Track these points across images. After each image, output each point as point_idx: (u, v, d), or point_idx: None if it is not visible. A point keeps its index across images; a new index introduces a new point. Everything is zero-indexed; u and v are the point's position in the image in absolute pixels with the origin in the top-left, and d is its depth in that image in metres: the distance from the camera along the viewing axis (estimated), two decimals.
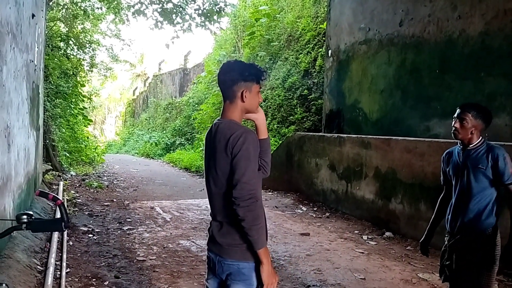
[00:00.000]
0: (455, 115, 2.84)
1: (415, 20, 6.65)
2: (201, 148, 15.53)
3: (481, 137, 2.83)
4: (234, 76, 2.08)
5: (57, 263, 4.39)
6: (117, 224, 6.33)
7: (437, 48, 6.24)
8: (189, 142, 18.64)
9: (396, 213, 6.05)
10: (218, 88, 2.20)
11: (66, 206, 6.50)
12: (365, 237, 6.00)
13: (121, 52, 40.61)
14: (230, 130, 2.01)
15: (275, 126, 12.27)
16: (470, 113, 2.78)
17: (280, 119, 12.27)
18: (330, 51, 9.01)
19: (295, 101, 11.89)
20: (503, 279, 4.36)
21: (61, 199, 1.97)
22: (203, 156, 2.23)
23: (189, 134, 19.13)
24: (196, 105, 19.02)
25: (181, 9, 13.42)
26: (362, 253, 5.32)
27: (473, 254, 2.74)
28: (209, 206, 2.21)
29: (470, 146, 2.82)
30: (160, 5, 13.21)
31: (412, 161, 5.80)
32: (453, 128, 2.84)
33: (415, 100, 6.64)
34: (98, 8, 15.15)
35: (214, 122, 2.16)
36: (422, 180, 5.61)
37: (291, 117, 11.75)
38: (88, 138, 16.85)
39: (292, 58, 12.88)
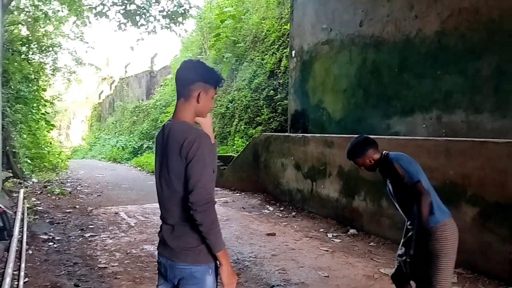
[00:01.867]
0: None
1: (374, 20, 6.78)
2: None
3: (380, 154, 3.08)
4: (194, 75, 2.04)
5: (15, 272, 4.22)
6: (79, 231, 6.15)
7: (395, 48, 6.38)
8: None
9: (359, 211, 6.14)
10: None
11: (26, 214, 6.30)
12: (330, 235, 6.06)
13: (86, 55, 39.73)
14: (184, 133, 1.97)
15: (242, 127, 12.27)
16: (356, 158, 3.10)
17: (247, 120, 12.28)
18: (293, 52, 9.07)
19: (262, 102, 11.93)
20: (462, 272, 4.48)
21: (2, 207, 1.89)
22: (154, 157, 2.17)
23: None
24: (164, 108, 18.81)
25: (144, 10, 13.23)
26: (327, 251, 5.36)
27: (417, 249, 2.85)
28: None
29: (379, 168, 3.10)
30: (123, 6, 12.97)
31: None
32: (362, 169, 3.15)
33: (376, 99, 6.76)
34: (59, 10, 14.76)
35: (166, 122, 2.10)
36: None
37: (258, 118, 11.78)
38: (51, 143, 16.38)
39: (258, 59, 12.92)
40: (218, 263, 2.02)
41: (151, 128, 19.57)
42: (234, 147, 11.93)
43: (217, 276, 2.05)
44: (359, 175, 6.16)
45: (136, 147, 19.53)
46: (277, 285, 4.29)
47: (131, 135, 21.84)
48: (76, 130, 39.10)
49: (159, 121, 18.32)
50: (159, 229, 2.18)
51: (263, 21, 13.32)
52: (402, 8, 6.24)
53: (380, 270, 4.66)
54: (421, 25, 5.94)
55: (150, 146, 18.45)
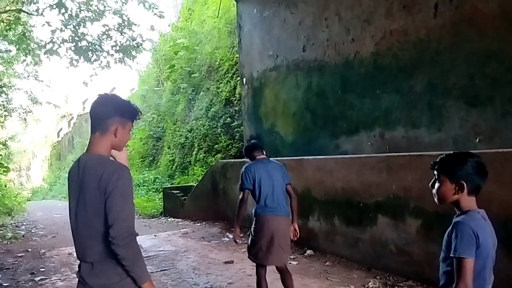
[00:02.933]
0: None
1: (316, 45, 7.03)
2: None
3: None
4: (111, 109, 2.04)
5: None
6: (29, 275, 5.93)
7: (337, 70, 6.62)
8: None
9: (314, 231, 6.20)
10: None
11: None
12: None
13: (43, 93, 38.94)
14: (102, 167, 1.96)
15: (201, 155, 12.26)
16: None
17: (207, 148, 12.29)
18: (244, 79, 9.24)
19: (220, 129, 11.99)
20: (412, 284, 4.58)
21: None
22: (68, 195, 2.14)
23: None
24: None
25: (96, 46, 13.19)
26: None
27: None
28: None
29: None
30: (74, 43, 12.89)
31: (323, 178, 6.02)
32: None
33: (324, 120, 6.95)
34: (7, 50, 14.50)
35: (81, 157, 2.08)
36: (334, 196, 5.82)
37: (217, 145, 11.81)
38: (6, 186, 15.80)
39: (213, 88, 13.04)
40: None
41: None
42: (195, 176, 11.87)
43: None
44: (312, 195, 6.26)
45: None
46: None
47: None
48: (37, 170, 37.87)
49: None
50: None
51: (216, 51, 13.52)
52: (340, 32, 6.51)
53: None
54: (358, 48, 6.21)
55: None
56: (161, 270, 5.81)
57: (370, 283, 4.71)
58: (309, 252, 6.16)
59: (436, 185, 2.01)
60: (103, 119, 2.04)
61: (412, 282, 4.62)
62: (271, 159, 4.37)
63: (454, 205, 1.99)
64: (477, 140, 4.59)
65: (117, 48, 13.34)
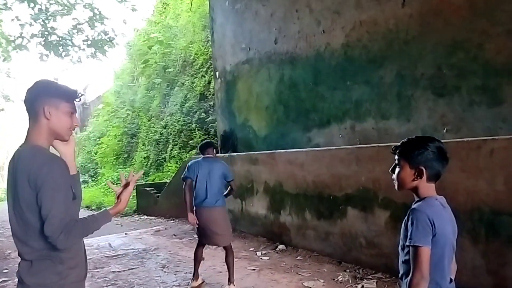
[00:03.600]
0: None
1: (287, 37, 6.93)
2: (103, 184, 14.81)
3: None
4: (36, 91, 1.88)
5: None
6: None
7: (308, 62, 6.54)
8: (93, 178, 17.67)
9: (286, 225, 6.13)
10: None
11: None
12: (259, 253, 5.98)
13: (16, 91, 37.94)
14: (33, 159, 1.80)
15: (176, 152, 12.07)
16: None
17: (181, 144, 12.11)
18: (217, 73, 9.09)
19: (194, 125, 11.82)
20: (381, 276, 4.54)
21: None
22: (6, 189, 1.99)
23: (92, 170, 18.14)
24: (98, 139, 18.18)
25: (67, 40, 12.85)
26: (254, 270, 5.27)
27: None
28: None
29: None
30: (43, 38, 12.53)
31: (294, 172, 5.94)
32: None
33: (296, 114, 6.86)
34: None
35: (17, 148, 1.93)
36: (305, 189, 5.75)
37: (191, 141, 11.65)
38: None
39: (188, 82, 12.86)
40: None
41: (86, 161, 18.81)
42: (170, 173, 11.68)
43: None
44: (284, 189, 6.18)
45: None
46: None
47: None
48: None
49: (93, 153, 17.68)
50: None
51: (190, 45, 13.32)
52: (311, 24, 6.43)
53: (303, 283, 4.62)
54: (329, 39, 6.14)
55: (86, 180, 17.68)
56: (128, 269, 5.64)
57: (340, 277, 4.65)
58: (281, 247, 6.08)
59: (396, 170, 1.94)
60: (31, 103, 1.88)
61: (381, 275, 4.58)
62: (217, 158, 4.89)
63: (413, 192, 1.93)
64: (444, 130, 4.56)
65: (89, 42, 13.04)
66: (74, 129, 2.03)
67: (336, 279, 4.64)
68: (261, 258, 5.78)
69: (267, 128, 7.58)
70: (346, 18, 5.86)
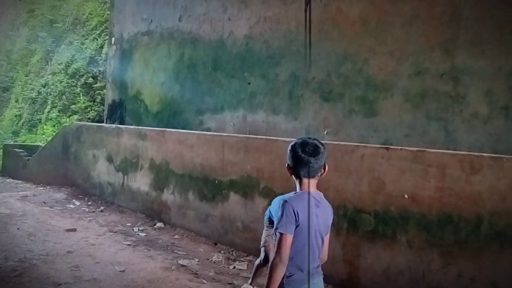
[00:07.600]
0: None
1: (192, 17, 6.89)
2: None
3: None
4: None
5: None
6: None
7: (210, 46, 6.59)
8: None
9: (168, 204, 6.17)
10: None
11: None
12: (136, 229, 5.94)
13: None
14: None
15: (55, 114, 11.22)
16: None
17: (62, 107, 11.29)
18: (113, 39, 8.66)
19: (79, 89, 11.10)
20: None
21: None
22: None
23: None
24: None
25: None
26: (129, 245, 5.23)
27: None
28: None
29: None
30: None
31: (183, 152, 5.99)
32: None
33: (191, 95, 6.89)
34: None
35: None
36: (192, 170, 5.84)
37: (74, 106, 10.92)
38: None
39: (78, 43, 11.97)
40: None
41: None
42: (44, 136, 10.82)
43: None
44: (170, 168, 6.19)
45: None
46: (66, 283, 3.99)
47: None
48: None
49: None
50: None
51: (85, 3, 12.38)
52: (217, 9, 6.48)
53: (178, 261, 4.74)
54: (233, 28, 6.26)
55: None
56: None
57: (214, 257, 4.86)
58: (159, 224, 6.11)
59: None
60: None
61: (253, 257, 4.89)
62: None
63: None
64: (325, 132, 5.02)
65: None
66: None
67: (210, 259, 4.84)
68: (137, 234, 5.75)
69: (160, 104, 7.47)
70: (252, 10, 6.02)
